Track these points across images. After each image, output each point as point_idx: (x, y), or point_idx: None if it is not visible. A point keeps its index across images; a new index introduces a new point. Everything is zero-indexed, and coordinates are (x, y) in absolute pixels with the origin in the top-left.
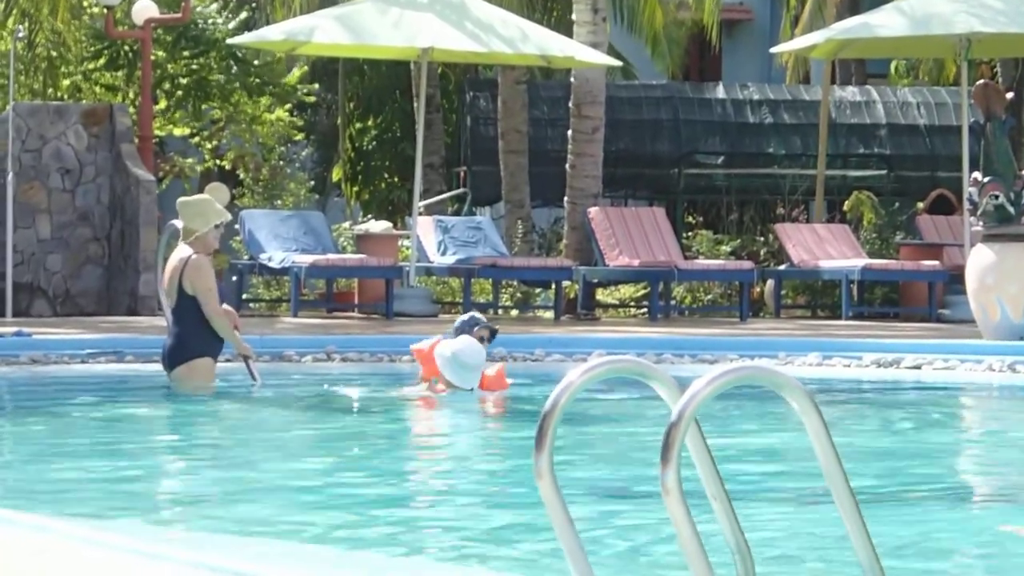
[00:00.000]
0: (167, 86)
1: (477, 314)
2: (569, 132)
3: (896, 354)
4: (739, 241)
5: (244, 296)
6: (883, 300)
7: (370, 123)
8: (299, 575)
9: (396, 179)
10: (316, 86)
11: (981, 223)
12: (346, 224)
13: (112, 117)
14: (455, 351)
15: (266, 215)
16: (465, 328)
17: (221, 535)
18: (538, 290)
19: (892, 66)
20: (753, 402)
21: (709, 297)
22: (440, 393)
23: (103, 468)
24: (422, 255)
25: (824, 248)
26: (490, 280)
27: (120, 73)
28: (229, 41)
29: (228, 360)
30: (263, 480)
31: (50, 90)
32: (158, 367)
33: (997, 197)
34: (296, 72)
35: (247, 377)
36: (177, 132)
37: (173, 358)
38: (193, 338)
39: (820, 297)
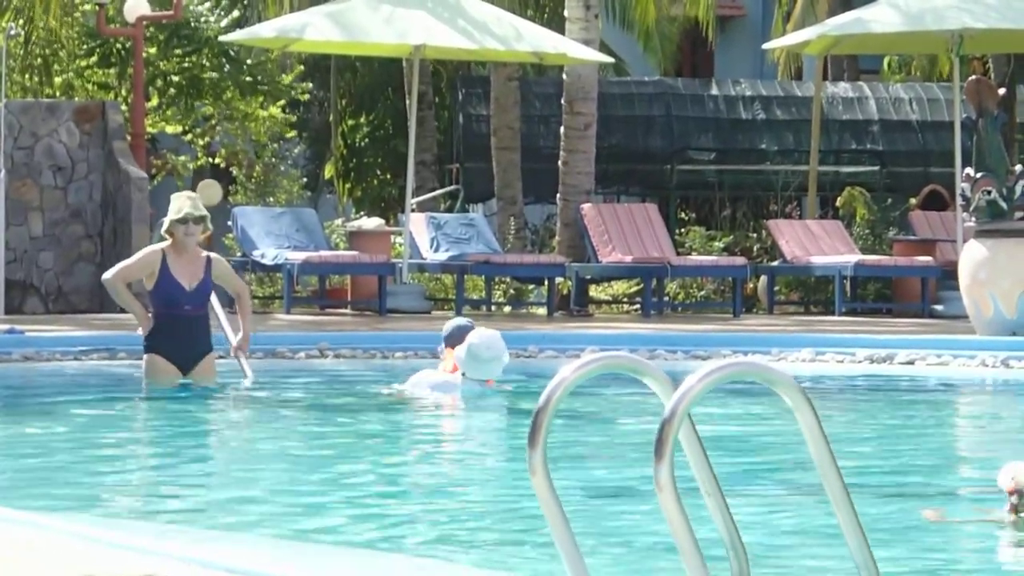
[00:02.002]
0: (159, 83)
1: (462, 320)
2: (561, 129)
3: (889, 350)
4: (732, 237)
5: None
6: (876, 296)
7: (362, 120)
8: (291, 571)
9: (388, 176)
10: (309, 85)
11: (974, 219)
12: (339, 221)
13: (104, 114)
14: (470, 344)
15: (259, 212)
16: (458, 336)
17: (212, 531)
18: (531, 287)
19: (884, 62)
20: (745, 398)
21: (702, 293)
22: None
23: (95, 465)
24: (415, 252)
25: (817, 244)
26: (483, 277)
27: (112, 71)
28: (221, 38)
29: (222, 357)
30: (251, 476)
31: (47, 89)
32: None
33: (989, 192)
34: (289, 77)
35: (240, 372)
36: (169, 129)
37: None
38: (147, 333)
39: (813, 293)
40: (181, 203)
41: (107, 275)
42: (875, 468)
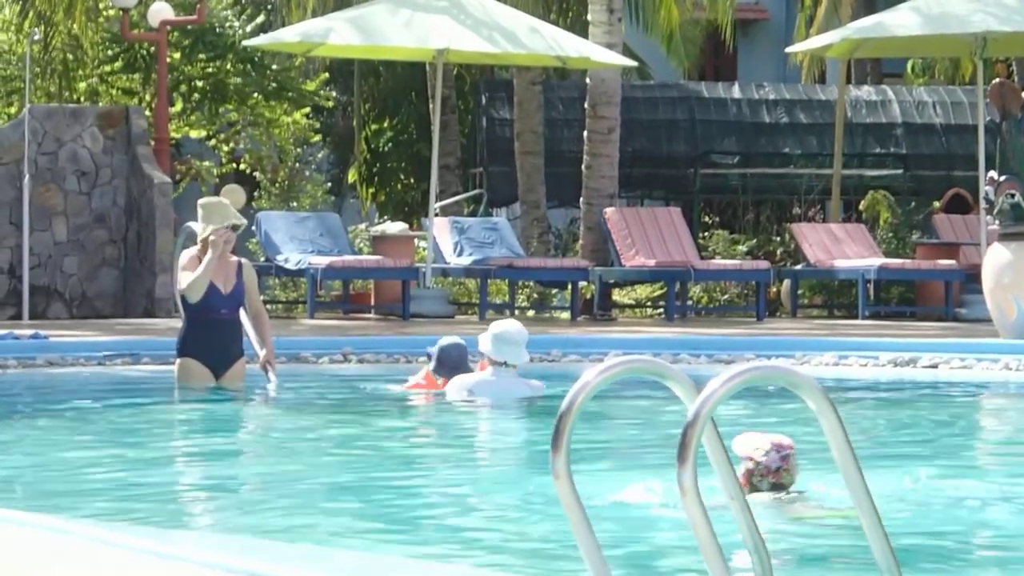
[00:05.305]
0: (184, 88)
1: (455, 340)
2: (585, 133)
3: (913, 353)
4: (755, 241)
5: (260, 298)
6: (899, 299)
7: (386, 125)
8: None
9: (412, 180)
10: (333, 93)
11: (997, 222)
12: (362, 225)
13: (128, 119)
14: (496, 333)
15: (282, 217)
16: (460, 357)
17: (236, 536)
18: (554, 291)
19: (908, 65)
20: (769, 401)
21: (725, 297)
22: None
23: (118, 470)
24: (438, 256)
25: (840, 248)
26: (506, 281)
27: (137, 76)
28: (245, 43)
29: (248, 362)
30: (276, 481)
31: (66, 93)
32: (173, 369)
33: (1013, 196)
34: (313, 84)
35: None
36: (194, 134)
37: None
38: (181, 337)
39: (836, 297)
40: (226, 212)
41: (181, 286)
42: (897, 469)
